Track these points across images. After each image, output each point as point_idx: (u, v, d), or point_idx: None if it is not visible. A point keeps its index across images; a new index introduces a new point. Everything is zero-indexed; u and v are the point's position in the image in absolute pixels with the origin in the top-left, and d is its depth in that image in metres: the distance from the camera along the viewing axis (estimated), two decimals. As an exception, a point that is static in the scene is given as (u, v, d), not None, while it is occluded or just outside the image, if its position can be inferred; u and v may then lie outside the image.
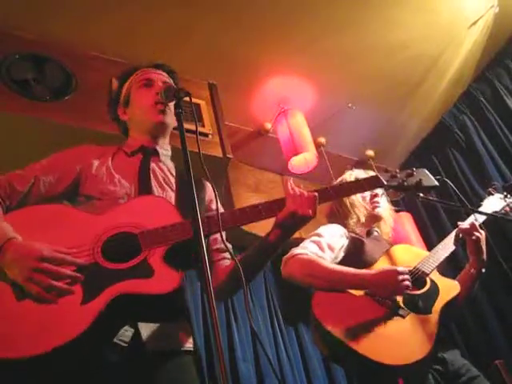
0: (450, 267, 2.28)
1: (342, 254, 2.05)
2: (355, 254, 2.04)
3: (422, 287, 1.88)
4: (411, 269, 1.91)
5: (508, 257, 2.07)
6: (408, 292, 1.77)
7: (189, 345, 1.33)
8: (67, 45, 2.79)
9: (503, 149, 3.41)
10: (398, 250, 2.08)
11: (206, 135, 2.89)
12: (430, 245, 3.48)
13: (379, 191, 2.23)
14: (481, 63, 3.60)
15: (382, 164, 3.85)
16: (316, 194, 1.37)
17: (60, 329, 1.09)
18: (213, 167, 2.72)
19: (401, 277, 1.72)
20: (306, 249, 1.96)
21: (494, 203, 2.17)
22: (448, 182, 1.68)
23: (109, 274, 1.19)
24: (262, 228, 1.52)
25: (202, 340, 2.91)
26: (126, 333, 1.22)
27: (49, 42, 2.75)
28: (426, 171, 1.60)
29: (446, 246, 2.03)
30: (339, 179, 2.35)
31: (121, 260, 1.21)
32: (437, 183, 1.57)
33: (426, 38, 3.29)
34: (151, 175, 1.54)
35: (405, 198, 3.96)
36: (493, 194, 2.23)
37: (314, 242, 2.02)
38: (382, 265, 1.96)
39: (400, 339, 1.68)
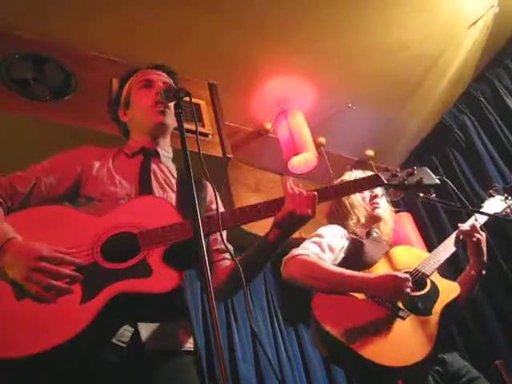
0: (450, 269, 2.28)
1: (342, 256, 2.05)
2: (355, 255, 2.04)
3: (422, 289, 1.88)
4: (411, 270, 1.91)
5: (508, 258, 2.07)
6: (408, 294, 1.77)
7: (189, 345, 1.33)
8: (67, 45, 2.79)
9: (503, 149, 3.41)
10: (398, 252, 2.08)
11: (206, 135, 2.89)
12: (430, 245, 3.48)
13: (379, 192, 2.23)
14: (481, 63, 3.60)
15: (382, 164, 3.85)
16: (315, 193, 1.36)
17: (59, 328, 1.10)
18: (213, 167, 2.72)
19: (401, 282, 1.72)
20: (307, 249, 1.96)
21: (494, 205, 2.17)
22: (448, 182, 1.67)
23: (108, 273, 1.19)
24: (262, 228, 1.52)
25: (202, 340, 2.91)
26: (126, 333, 1.22)
27: (49, 42, 2.75)
28: (427, 170, 1.59)
29: (447, 248, 2.03)
30: (338, 180, 2.35)
31: (120, 260, 1.22)
32: (438, 181, 1.56)
33: (426, 38, 3.29)
34: (152, 176, 1.54)
35: (405, 199, 3.96)
36: (493, 196, 2.23)
37: (314, 242, 2.02)
38: (381, 266, 1.96)
39: (400, 341, 1.68)
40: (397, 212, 3.01)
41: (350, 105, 3.64)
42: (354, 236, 2.13)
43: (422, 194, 1.66)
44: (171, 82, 1.71)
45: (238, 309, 3.26)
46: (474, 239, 1.94)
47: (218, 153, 2.88)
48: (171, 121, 1.62)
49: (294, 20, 3.03)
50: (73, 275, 1.17)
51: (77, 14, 2.74)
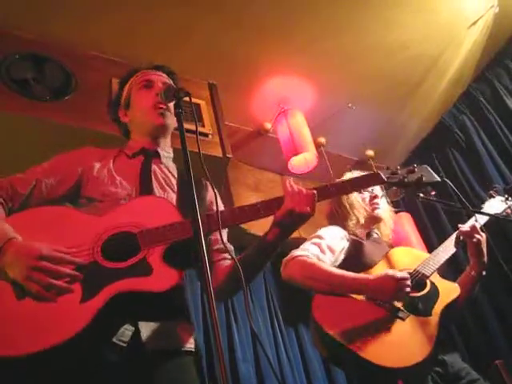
0: (450, 269, 2.28)
1: (342, 257, 2.04)
2: (355, 256, 2.04)
3: (422, 289, 1.88)
4: (411, 271, 1.91)
5: (509, 258, 2.06)
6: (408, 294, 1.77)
7: (189, 345, 1.32)
8: (67, 45, 2.79)
9: (503, 149, 3.41)
10: (398, 253, 2.08)
11: (205, 135, 2.89)
12: (429, 245, 3.48)
13: (379, 193, 2.23)
14: (480, 63, 3.60)
15: (382, 164, 3.84)
16: (315, 191, 1.36)
17: (59, 327, 1.10)
18: (213, 167, 2.72)
19: (401, 283, 1.72)
20: (307, 251, 1.96)
21: (495, 205, 2.17)
22: (448, 182, 1.66)
23: (108, 272, 1.19)
24: (262, 227, 1.51)
25: (202, 340, 2.90)
26: (126, 332, 1.22)
27: (49, 42, 2.75)
28: (428, 167, 1.57)
29: (447, 249, 2.03)
30: (338, 181, 2.34)
31: (120, 259, 1.22)
32: (438, 179, 1.54)
33: (426, 38, 3.29)
34: (152, 177, 1.54)
35: (405, 199, 3.95)
36: (494, 197, 2.23)
37: (314, 243, 2.01)
38: (381, 267, 1.95)
39: (400, 341, 1.68)
40: (397, 212, 3.01)
41: (350, 105, 3.64)
42: (354, 237, 2.13)
43: (422, 195, 1.65)
44: (171, 82, 1.71)
45: (238, 309, 3.26)
46: (475, 240, 1.94)
47: (218, 153, 2.88)
48: (171, 121, 1.63)
49: (293, 20, 3.03)
50: (73, 274, 1.18)
51: (77, 13, 2.74)
